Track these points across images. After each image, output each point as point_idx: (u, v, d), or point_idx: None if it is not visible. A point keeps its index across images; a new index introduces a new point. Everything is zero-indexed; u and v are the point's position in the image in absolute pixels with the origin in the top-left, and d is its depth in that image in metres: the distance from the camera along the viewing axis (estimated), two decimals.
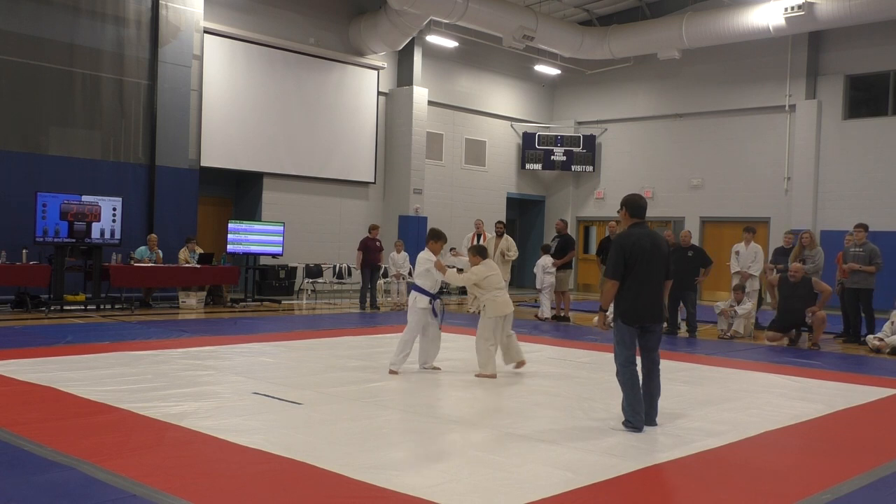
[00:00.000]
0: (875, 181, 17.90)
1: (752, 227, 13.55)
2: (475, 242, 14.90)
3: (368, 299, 15.08)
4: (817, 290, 11.09)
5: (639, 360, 5.99)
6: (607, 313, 6.07)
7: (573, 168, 22.45)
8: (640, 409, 5.78)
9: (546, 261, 14.28)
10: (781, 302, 11.41)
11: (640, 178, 21.59)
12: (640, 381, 5.87)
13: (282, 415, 5.94)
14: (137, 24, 14.65)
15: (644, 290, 5.78)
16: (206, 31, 15.94)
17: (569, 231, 14.98)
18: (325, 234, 18.28)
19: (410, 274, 16.53)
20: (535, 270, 14.54)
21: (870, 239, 11.80)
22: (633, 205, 5.90)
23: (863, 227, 11.84)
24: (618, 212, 6.15)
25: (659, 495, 4.41)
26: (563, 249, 14.28)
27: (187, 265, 14.14)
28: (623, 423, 5.81)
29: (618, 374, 5.87)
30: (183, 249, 14.49)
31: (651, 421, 5.89)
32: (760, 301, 13.20)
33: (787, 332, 11.35)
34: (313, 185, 18.10)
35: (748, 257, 12.80)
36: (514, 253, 14.63)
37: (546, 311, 14.17)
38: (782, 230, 16.24)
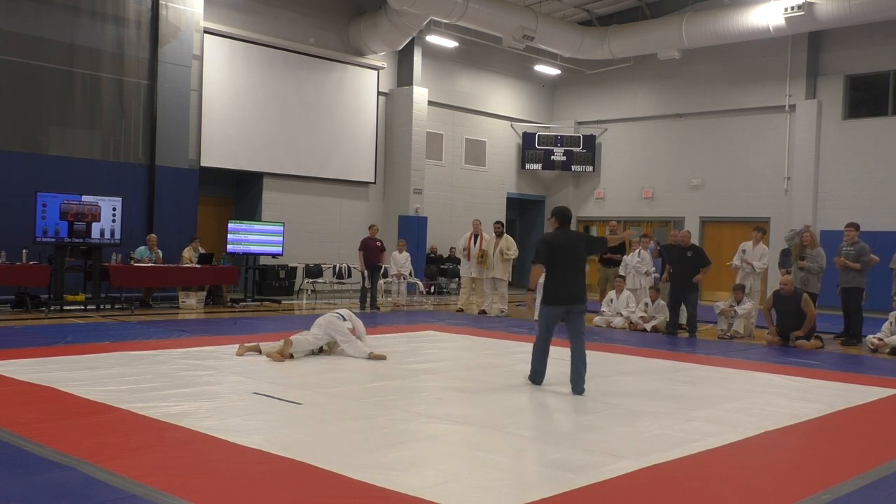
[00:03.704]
0: (875, 181, 17.90)
1: (763, 227, 13.37)
2: (472, 243, 14.95)
3: (368, 299, 15.08)
4: (804, 310, 11.00)
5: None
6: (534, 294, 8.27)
7: (573, 168, 22.45)
8: (540, 371, 7.42)
9: None
10: (778, 317, 11.37)
11: (639, 178, 21.60)
12: (570, 356, 7.20)
13: (282, 415, 5.94)
14: (137, 24, 14.65)
15: (561, 276, 7.26)
16: (206, 31, 15.94)
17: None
18: (325, 234, 18.28)
19: (411, 274, 16.63)
20: None
21: (870, 239, 11.82)
22: (561, 215, 7.56)
23: (853, 226, 11.97)
24: (548, 219, 7.61)
25: (659, 495, 4.40)
26: None
27: (188, 265, 14.14)
28: (527, 377, 7.48)
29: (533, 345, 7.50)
30: (187, 248, 14.50)
31: (579, 389, 7.05)
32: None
33: (787, 340, 11.29)
34: (313, 185, 18.11)
35: (753, 258, 12.66)
36: (513, 252, 14.65)
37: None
38: (782, 230, 16.21)
